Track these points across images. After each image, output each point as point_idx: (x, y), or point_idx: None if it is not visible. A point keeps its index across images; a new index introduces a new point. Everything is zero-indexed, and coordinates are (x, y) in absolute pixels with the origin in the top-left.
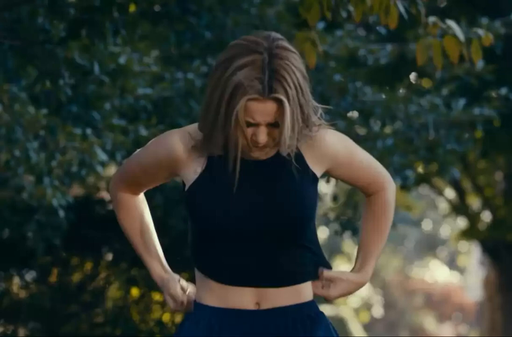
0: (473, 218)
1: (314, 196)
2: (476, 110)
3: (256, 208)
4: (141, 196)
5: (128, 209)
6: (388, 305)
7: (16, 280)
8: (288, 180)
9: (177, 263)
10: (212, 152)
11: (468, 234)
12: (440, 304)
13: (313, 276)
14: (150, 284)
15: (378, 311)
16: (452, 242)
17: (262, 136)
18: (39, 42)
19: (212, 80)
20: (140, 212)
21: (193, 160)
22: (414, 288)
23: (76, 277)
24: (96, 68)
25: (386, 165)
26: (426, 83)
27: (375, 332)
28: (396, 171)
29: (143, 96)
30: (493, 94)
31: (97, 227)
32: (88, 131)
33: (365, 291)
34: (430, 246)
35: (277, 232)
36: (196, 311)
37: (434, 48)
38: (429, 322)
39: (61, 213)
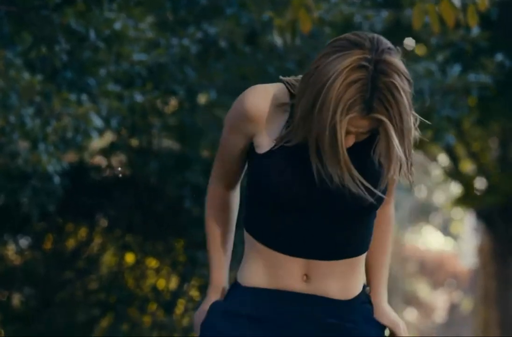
0: (467, 185)
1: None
2: (471, 77)
3: (331, 188)
4: (237, 192)
5: (220, 208)
6: None
7: (11, 246)
8: (368, 164)
9: (170, 230)
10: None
11: (462, 200)
12: (433, 271)
13: (365, 249)
14: (145, 250)
15: None
16: (445, 209)
17: (350, 142)
18: (34, 8)
19: (312, 77)
20: (229, 212)
21: (269, 121)
22: (407, 255)
23: (71, 244)
24: (92, 34)
25: None
26: (421, 49)
27: None
28: None
29: (138, 62)
30: (488, 61)
31: (92, 193)
32: (83, 97)
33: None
34: (423, 213)
35: (348, 214)
36: (237, 292)
37: (430, 13)
38: (422, 289)
39: (56, 179)
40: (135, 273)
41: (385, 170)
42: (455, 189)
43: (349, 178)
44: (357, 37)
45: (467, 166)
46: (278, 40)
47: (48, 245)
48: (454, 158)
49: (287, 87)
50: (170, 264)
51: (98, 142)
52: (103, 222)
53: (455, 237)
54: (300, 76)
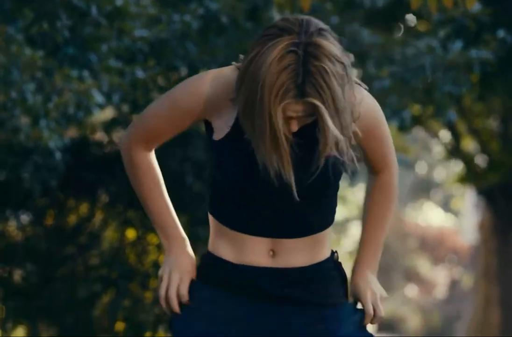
0: (468, 162)
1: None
2: (473, 53)
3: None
4: (153, 152)
5: (147, 169)
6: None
7: (12, 222)
8: (316, 145)
9: (174, 206)
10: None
11: (464, 177)
12: (434, 247)
13: (330, 224)
14: (146, 226)
15: None
16: (446, 185)
17: (295, 126)
18: None
19: (247, 73)
20: (157, 172)
21: (226, 107)
22: (408, 231)
23: (72, 219)
24: (93, 10)
25: (383, 107)
26: (422, 26)
27: None
28: (392, 112)
29: (139, 38)
30: (490, 37)
31: (94, 169)
32: (85, 73)
33: (359, 233)
34: (424, 189)
35: (304, 196)
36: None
37: None
38: (423, 265)
39: (58, 155)
40: (136, 249)
41: (321, 148)
42: (456, 165)
43: (288, 168)
44: (286, 23)
45: (468, 143)
46: (277, 17)
47: (49, 220)
48: (455, 135)
49: None
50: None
51: (99, 118)
52: (105, 198)
53: (455, 213)
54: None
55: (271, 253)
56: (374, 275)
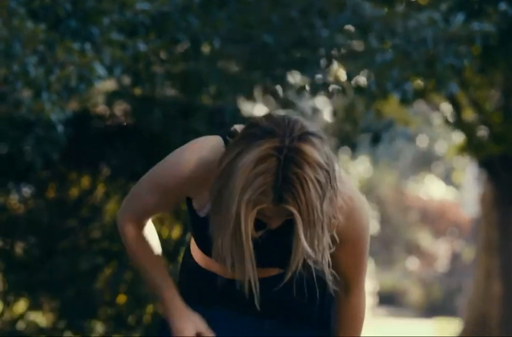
0: (469, 134)
1: None
2: (475, 25)
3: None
4: (150, 222)
5: (143, 244)
6: (383, 221)
7: (14, 195)
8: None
9: None
10: None
11: (465, 149)
12: (435, 220)
13: None
14: None
15: (373, 226)
16: (447, 158)
17: (274, 224)
18: None
19: (226, 167)
20: (154, 248)
21: (206, 187)
22: (409, 204)
23: (74, 192)
24: None
25: (385, 80)
26: None
27: (371, 248)
28: (394, 85)
29: (141, 11)
30: (492, 9)
31: (95, 142)
32: (87, 46)
33: None
34: (425, 162)
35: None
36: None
37: None
38: (424, 238)
39: (60, 128)
40: None
41: (290, 263)
42: (457, 138)
43: (252, 279)
44: (271, 123)
45: (470, 115)
46: None
47: (51, 193)
48: (456, 107)
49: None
50: (172, 212)
51: (101, 91)
52: (106, 171)
53: (457, 186)
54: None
55: None
56: None
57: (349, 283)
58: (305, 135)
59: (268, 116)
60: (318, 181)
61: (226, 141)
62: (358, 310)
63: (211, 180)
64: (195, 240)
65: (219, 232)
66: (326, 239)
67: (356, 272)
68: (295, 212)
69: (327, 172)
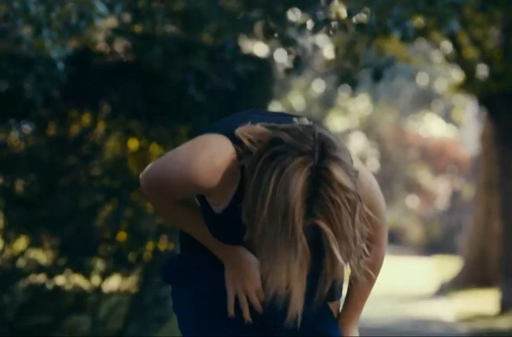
0: (469, 71)
1: None
2: None
3: None
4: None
5: (181, 213)
6: (383, 159)
7: (14, 133)
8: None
9: (174, 116)
10: None
11: (465, 86)
12: (435, 158)
13: None
14: (148, 136)
15: (373, 164)
16: (447, 96)
17: None
18: None
19: (260, 181)
20: (189, 209)
21: (222, 189)
22: (409, 142)
23: (74, 130)
24: None
25: (386, 17)
26: None
27: None
28: (395, 23)
29: None
30: None
31: (95, 79)
32: None
33: (360, 144)
34: (425, 100)
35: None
36: None
37: None
38: (424, 176)
39: (60, 65)
40: (138, 159)
41: (325, 273)
42: (458, 75)
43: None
44: (293, 139)
45: (470, 53)
46: None
47: (51, 131)
48: (456, 45)
49: (235, 148)
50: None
51: (101, 28)
52: (107, 108)
53: (457, 124)
54: (254, 129)
55: None
56: (356, 327)
57: (372, 242)
58: (331, 152)
59: (287, 130)
60: (348, 200)
61: (234, 143)
62: (376, 266)
63: (226, 183)
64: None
65: (272, 243)
66: (359, 251)
67: (379, 235)
68: (325, 227)
69: (355, 193)
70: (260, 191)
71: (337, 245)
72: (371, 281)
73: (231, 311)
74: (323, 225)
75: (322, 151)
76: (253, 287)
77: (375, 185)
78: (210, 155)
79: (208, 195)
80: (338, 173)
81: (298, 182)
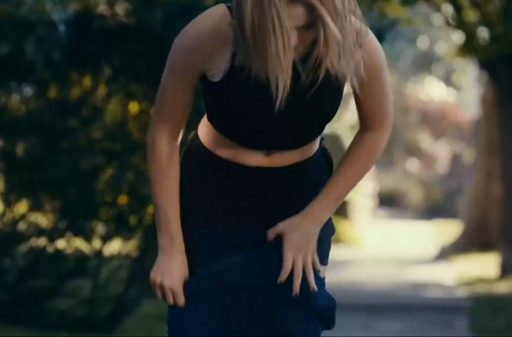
0: (470, 34)
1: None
2: None
3: (287, 115)
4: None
5: (172, 169)
6: None
7: (15, 95)
8: (324, 97)
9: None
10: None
11: (465, 49)
12: (435, 121)
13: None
14: (149, 99)
15: None
16: (448, 59)
17: (295, 39)
18: None
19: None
20: (176, 170)
21: (218, 51)
22: (409, 105)
23: (75, 92)
24: None
25: None
26: None
27: None
28: None
29: None
30: None
31: (97, 42)
32: None
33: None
34: (425, 63)
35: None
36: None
37: None
38: (424, 139)
39: (61, 27)
40: (139, 122)
41: (323, 57)
42: (458, 38)
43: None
44: None
45: (470, 16)
46: None
47: (52, 93)
48: (457, 8)
49: (230, 12)
50: None
51: None
52: (108, 71)
53: (457, 87)
54: None
55: (266, 154)
56: (316, 227)
57: (373, 123)
58: None
59: None
60: None
61: (230, 8)
62: (375, 147)
63: (223, 45)
64: (213, 119)
65: (260, 39)
66: (354, 40)
67: (380, 111)
68: (317, 4)
69: None
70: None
71: (332, 21)
72: (364, 168)
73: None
74: (315, 2)
75: None
76: (168, 285)
77: (379, 51)
78: (200, 18)
79: (206, 63)
80: None
81: None
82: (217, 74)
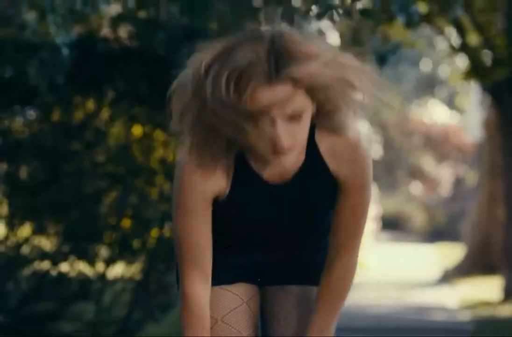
0: (473, 57)
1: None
2: None
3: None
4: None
5: (200, 317)
6: (386, 145)
7: (19, 119)
8: (316, 191)
9: None
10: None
11: (469, 74)
12: (438, 144)
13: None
14: (153, 122)
15: (376, 151)
16: (451, 82)
17: (284, 137)
18: None
19: (207, 76)
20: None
21: (216, 175)
22: (412, 128)
23: (78, 115)
24: None
25: (390, 3)
26: None
27: (374, 172)
28: (400, 8)
29: None
30: None
31: (100, 65)
32: None
33: (364, 130)
34: (429, 86)
35: (299, 220)
36: None
37: None
38: (427, 162)
39: (65, 51)
40: (142, 145)
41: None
42: (461, 62)
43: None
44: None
45: (474, 40)
46: None
47: (55, 117)
48: (460, 31)
49: None
50: (177, 136)
51: (106, 14)
52: (111, 94)
53: (460, 110)
54: None
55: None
56: (330, 329)
57: (342, 243)
58: (286, 32)
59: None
60: (309, 41)
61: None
62: (345, 275)
63: (218, 171)
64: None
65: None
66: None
67: (351, 232)
68: (298, 75)
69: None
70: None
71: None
72: (342, 290)
73: None
74: (296, 75)
75: (275, 32)
76: None
77: (362, 146)
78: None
79: (215, 190)
80: (294, 36)
81: (246, 51)
82: (222, 195)
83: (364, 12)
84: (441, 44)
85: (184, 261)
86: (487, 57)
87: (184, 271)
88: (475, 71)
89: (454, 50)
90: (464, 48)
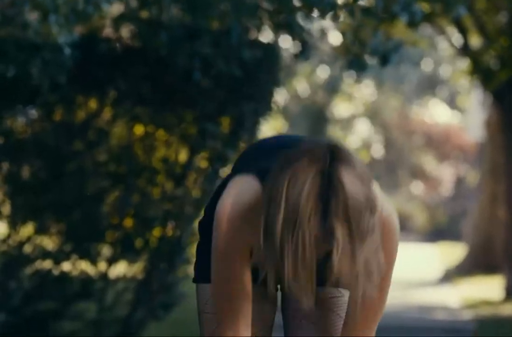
0: (475, 58)
1: None
2: None
3: None
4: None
5: None
6: (388, 145)
7: (21, 119)
8: None
9: (180, 102)
10: None
11: (471, 75)
12: (440, 144)
13: None
14: (154, 122)
15: (378, 151)
16: (452, 82)
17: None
18: None
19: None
20: None
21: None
22: (414, 128)
23: (81, 115)
24: None
25: (392, 2)
26: None
27: (376, 172)
28: (402, 7)
29: None
30: None
31: (102, 65)
32: None
33: (365, 130)
34: (430, 86)
35: None
36: None
37: None
38: (429, 162)
39: (67, 51)
40: (144, 145)
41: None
42: (462, 63)
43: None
44: (311, 155)
45: (476, 40)
46: None
47: (57, 116)
48: (462, 31)
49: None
50: (179, 136)
51: (108, 14)
52: (113, 94)
53: (461, 110)
54: None
55: None
56: None
57: (357, 328)
58: (341, 157)
59: (308, 146)
60: (360, 201)
61: (261, 178)
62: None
63: (256, 221)
64: None
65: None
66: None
67: (369, 310)
68: (336, 242)
69: (367, 197)
70: (274, 195)
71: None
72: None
73: None
74: (335, 242)
75: (332, 155)
76: None
77: (394, 223)
78: (234, 194)
79: (253, 241)
80: (347, 177)
81: (305, 185)
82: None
83: (366, 11)
84: (442, 44)
85: (224, 310)
86: (489, 58)
87: (223, 320)
88: (477, 72)
89: (456, 51)
90: (466, 50)
